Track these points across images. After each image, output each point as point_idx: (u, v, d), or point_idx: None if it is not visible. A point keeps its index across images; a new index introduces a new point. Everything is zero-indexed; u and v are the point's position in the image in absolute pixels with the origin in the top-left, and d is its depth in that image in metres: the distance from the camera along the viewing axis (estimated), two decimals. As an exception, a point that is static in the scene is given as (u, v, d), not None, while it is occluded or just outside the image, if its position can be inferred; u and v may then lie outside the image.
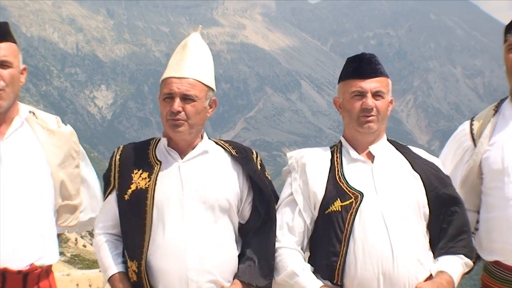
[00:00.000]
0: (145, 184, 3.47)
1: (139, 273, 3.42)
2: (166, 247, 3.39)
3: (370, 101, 3.42)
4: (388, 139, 3.62)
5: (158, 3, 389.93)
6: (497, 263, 3.58)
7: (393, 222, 3.33)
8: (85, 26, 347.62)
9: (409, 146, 3.68)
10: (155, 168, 3.50)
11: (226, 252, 3.49)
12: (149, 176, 3.49)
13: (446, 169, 3.67)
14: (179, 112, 3.43)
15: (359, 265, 3.30)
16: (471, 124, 3.78)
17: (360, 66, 3.48)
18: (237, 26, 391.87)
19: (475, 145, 3.70)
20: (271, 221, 3.55)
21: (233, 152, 3.62)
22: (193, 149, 3.56)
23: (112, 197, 3.57)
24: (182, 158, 3.54)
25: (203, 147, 3.58)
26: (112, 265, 3.50)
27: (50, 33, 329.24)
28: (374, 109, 3.44)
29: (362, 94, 3.44)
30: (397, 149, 3.60)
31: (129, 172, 3.53)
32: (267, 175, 3.67)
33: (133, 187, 3.49)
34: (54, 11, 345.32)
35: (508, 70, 3.56)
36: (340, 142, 3.61)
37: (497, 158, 3.56)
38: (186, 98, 3.44)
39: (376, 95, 3.45)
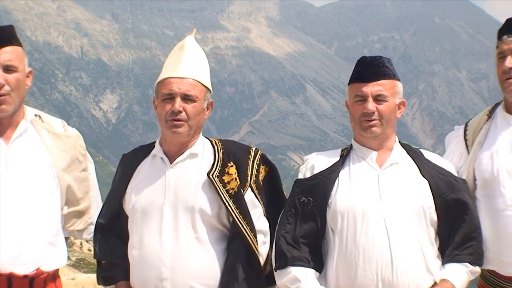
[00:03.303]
0: (131, 191, 3.46)
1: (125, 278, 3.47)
2: (144, 256, 3.34)
3: (370, 105, 3.37)
4: (400, 143, 3.54)
5: (163, 6, 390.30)
6: (491, 271, 3.56)
7: (396, 229, 3.29)
8: (90, 30, 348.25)
9: (422, 151, 3.58)
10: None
11: (207, 261, 3.35)
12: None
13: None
14: (180, 112, 3.34)
15: (359, 272, 3.28)
16: (465, 130, 3.71)
17: (362, 70, 3.44)
18: (242, 30, 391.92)
19: (468, 151, 3.64)
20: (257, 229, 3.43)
21: (221, 153, 3.47)
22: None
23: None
24: (171, 163, 3.45)
25: (192, 150, 3.46)
26: None
27: (55, 37, 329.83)
28: (376, 113, 3.38)
29: (363, 98, 3.39)
30: (408, 153, 3.52)
31: (127, 178, 3.51)
32: (263, 174, 3.53)
33: (127, 191, 3.49)
34: (59, 15, 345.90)
35: (499, 79, 3.51)
36: (351, 145, 3.56)
37: (488, 167, 3.49)
38: (186, 99, 3.36)
39: (378, 99, 3.39)
